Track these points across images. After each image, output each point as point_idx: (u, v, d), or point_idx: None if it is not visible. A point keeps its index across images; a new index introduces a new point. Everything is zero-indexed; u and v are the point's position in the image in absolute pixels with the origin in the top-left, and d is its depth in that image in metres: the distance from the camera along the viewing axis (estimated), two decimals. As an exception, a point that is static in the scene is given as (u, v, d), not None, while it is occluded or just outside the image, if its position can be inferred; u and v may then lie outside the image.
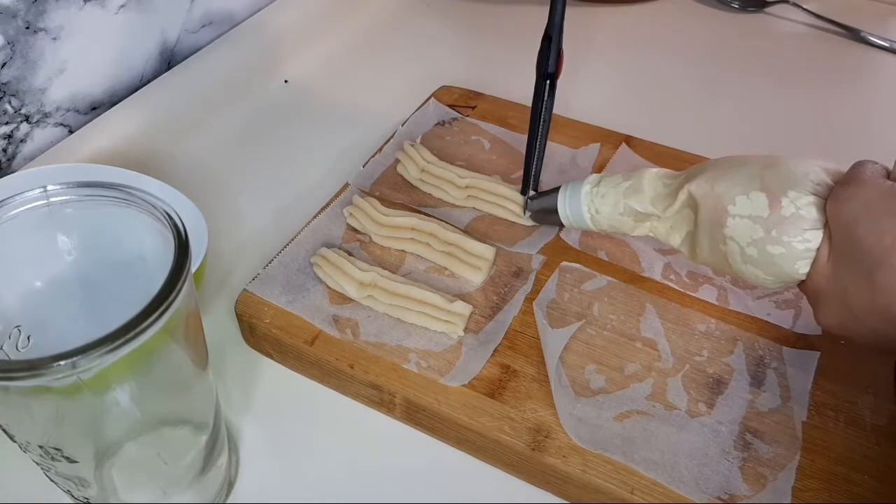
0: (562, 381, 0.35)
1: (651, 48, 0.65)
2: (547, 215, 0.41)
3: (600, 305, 0.38)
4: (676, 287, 0.39)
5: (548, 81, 0.41)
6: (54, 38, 0.46)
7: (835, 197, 0.30)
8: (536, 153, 0.42)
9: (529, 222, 0.43)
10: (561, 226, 0.41)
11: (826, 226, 0.30)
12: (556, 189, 0.40)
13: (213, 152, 0.53)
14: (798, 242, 0.30)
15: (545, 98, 0.41)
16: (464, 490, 0.34)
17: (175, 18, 0.55)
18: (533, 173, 0.43)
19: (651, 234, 0.37)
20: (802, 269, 0.31)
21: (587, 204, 0.38)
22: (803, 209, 0.30)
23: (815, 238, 0.30)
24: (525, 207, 0.43)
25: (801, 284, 0.32)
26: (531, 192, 0.42)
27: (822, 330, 0.37)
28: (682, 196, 0.34)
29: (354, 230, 0.43)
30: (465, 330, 0.37)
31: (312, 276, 0.40)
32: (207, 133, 0.54)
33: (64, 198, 0.26)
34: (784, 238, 0.31)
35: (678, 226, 0.36)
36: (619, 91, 0.60)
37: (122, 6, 0.50)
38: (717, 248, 0.33)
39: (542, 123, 0.42)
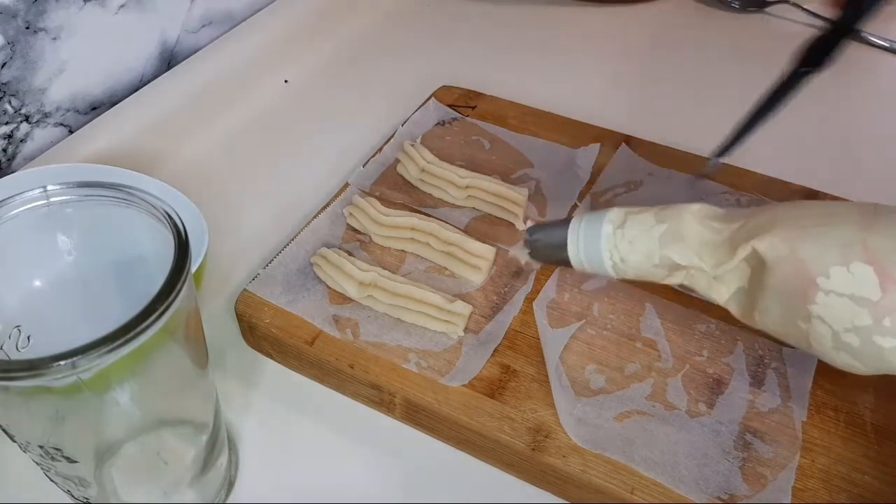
0: (562, 381, 0.35)
1: (651, 48, 0.65)
2: (553, 253, 0.33)
3: (600, 305, 0.38)
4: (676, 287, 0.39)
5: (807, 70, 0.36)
6: (54, 38, 0.46)
7: None
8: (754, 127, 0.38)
9: (523, 226, 0.43)
10: (569, 266, 0.33)
11: None
12: (564, 221, 0.33)
13: (213, 152, 0.53)
14: None
15: (796, 86, 0.37)
16: (464, 490, 0.34)
17: (175, 18, 0.55)
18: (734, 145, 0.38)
19: (686, 284, 0.31)
20: None
21: (609, 250, 0.31)
22: None
23: None
24: (524, 241, 0.35)
25: None
26: (529, 223, 0.35)
27: None
28: (743, 253, 0.28)
29: (354, 230, 0.43)
30: (465, 330, 0.37)
31: (312, 276, 0.40)
32: (207, 133, 0.54)
33: (64, 198, 0.26)
34: None
35: (726, 279, 0.29)
36: (620, 91, 0.60)
37: (122, 6, 0.50)
38: (795, 324, 0.27)
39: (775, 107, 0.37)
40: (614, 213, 0.31)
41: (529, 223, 0.35)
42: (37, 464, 0.25)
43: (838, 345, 0.26)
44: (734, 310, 0.30)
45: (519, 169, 0.47)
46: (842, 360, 0.27)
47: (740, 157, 0.47)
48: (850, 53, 0.65)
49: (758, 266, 0.28)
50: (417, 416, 0.35)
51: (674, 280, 0.31)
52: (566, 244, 0.32)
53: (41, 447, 0.24)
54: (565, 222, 0.33)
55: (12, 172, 0.43)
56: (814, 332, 0.27)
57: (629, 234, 0.31)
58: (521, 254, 0.36)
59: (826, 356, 0.27)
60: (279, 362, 0.38)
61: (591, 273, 0.33)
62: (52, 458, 0.24)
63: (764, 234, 0.28)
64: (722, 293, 0.30)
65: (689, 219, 0.30)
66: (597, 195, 0.45)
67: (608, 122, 0.50)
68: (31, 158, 0.47)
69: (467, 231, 0.43)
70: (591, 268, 0.32)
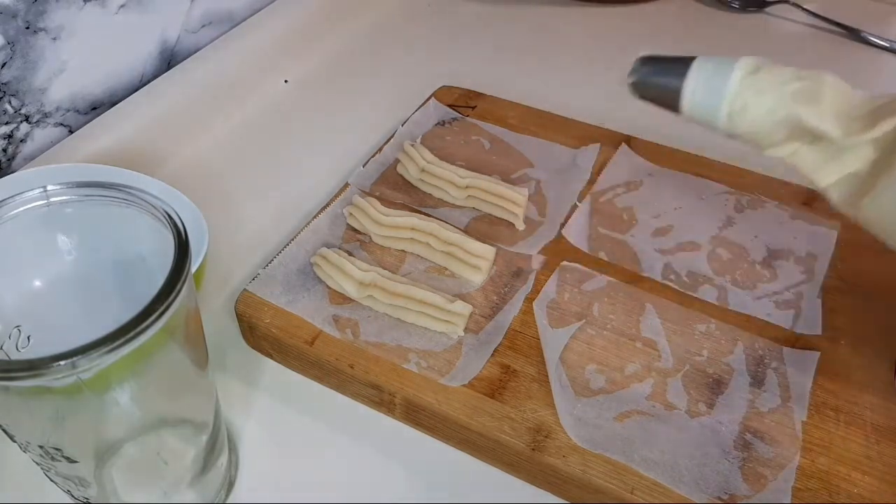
0: (562, 381, 0.35)
1: (651, 48, 0.65)
2: (658, 90, 0.32)
3: (600, 305, 0.38)
4: (676, 287, 0.39)
5: None
6: (54, 38, 0.46)
7: None
8: None
9: (522, 226, 0.43)
10: (671, 108, 0.31)
11: None
12: (685, 59, 0.31)
13: (213, 152, 0.53)
14: None
15: None
16: (464, 490, 0.34)
17: (175, 18, 0.55)
18: None
19: (788, 158, 0.29)
20: None
21: (732, 96, 0.29)
22: None
23: None
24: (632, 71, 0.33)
25: None
26: (643, 53, 0.33)
27: (822, 329, 0.37)
28: (887, 127, 0.26)
29: (354, 230, 0.43)
30: (465, 330, 0.37)
31: (312, 276, 0.40)
32: (207, 133, 0.54)
33: (64, 198, 0.26)
34: None
35: (842, 159, 0.27)
36: (620, 91, 0.60)
37: (122, 6, 0.50)
38: None
39: None
40: (746, 60, 0.29)
41: (643, 53, 0.32)
42: (37, 464, 0.25)
43: None
44: (836, 195, 0.28)
45: (519, 169, 0.47)
46: None
47: (740, 158, 0.47)
48: (851, 53, 0.65)
49: (891, 147, 0.26)
50: (417, 416, 0.35)
51: (783, 150, 0.29)
52: (679, 83, 0.30)
53: (41, 447, 0.24)
54: (685, 60, 0.31)
55: (12, 172, 0.43)
56: None
57: (761, 83, 0.29)
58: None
59: None
60: (279, 362, 0.38)
61: (693, 118, 0.31)
62: (52, 458, 0.24)
63: None
64: (829, 174, 0.28)
65: (830, 83, 0.28)
66: (597, 195, 0.45)
67: (608, 122, 0.50)
68: (31, 158, 0.47)
69: (467, 231, 0.43)
70: (700, 110, 0.30)
